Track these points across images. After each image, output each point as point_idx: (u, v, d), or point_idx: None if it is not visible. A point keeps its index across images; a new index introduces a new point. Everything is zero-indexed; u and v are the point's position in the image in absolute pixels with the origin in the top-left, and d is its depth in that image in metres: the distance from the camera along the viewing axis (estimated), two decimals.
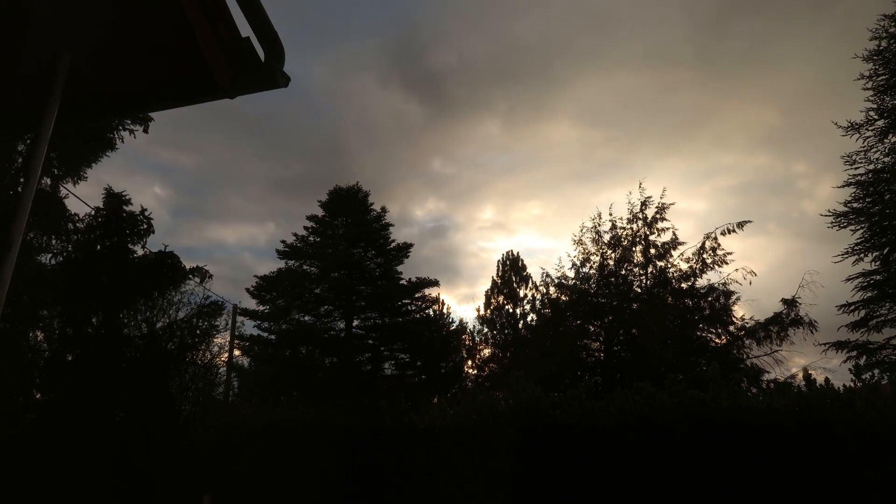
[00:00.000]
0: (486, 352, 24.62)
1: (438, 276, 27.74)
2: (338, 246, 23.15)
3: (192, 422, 11.57)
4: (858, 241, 16.80)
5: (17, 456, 8.31)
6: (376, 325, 22.66)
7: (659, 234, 16.23)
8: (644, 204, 16.43)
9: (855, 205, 16.85)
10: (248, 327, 22.85)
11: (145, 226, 11.34)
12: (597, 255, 16.85)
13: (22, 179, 8.54)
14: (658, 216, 16.27)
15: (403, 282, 23.38)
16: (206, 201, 46.58)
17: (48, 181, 10.09)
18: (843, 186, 17.15)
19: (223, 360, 16.57)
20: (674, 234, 16.03)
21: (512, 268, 26.81)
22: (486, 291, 26.79)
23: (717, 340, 15.05)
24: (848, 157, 17.12)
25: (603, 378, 14.68)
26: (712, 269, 15.33)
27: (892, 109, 16.52)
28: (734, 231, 15.26)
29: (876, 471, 5.16)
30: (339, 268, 22.64)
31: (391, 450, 7.98)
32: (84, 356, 10.27)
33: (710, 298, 15.07)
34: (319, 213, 24.11)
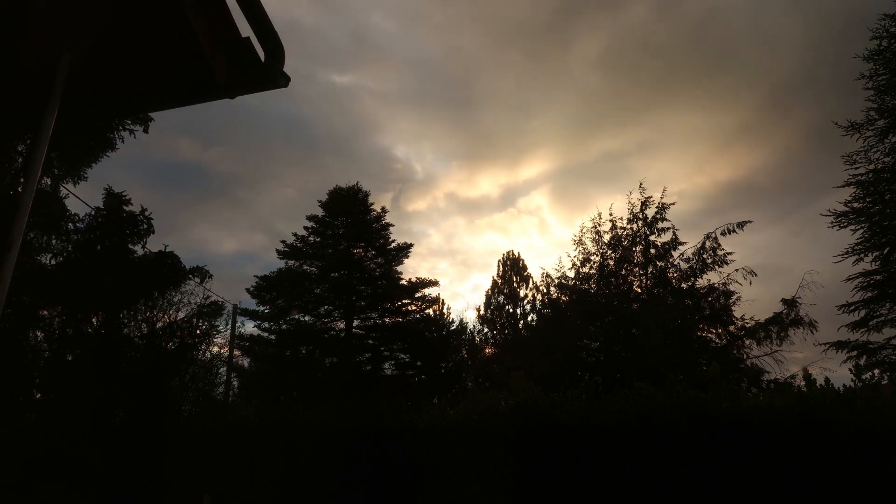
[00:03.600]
0: (487, 352, 24.66)
1: None
2: (338, 246, 23.15)
3: (193, 422, 11.57)
4: (858, 241, 16.80)
5: (17, 456, 8.31)
6: (376, 325, 22.65)
7: (659, 235, 16.26)
8: (644, 204, 16.46)
9: (855, 205, 16.85)
10: (248, 327, 22.87)
11: (145, 226, 11.34)
12: (597, 256, 16.87)
13: (22, 179, 8.54)
14: (658, 216, 16.29)
15: (403, 282, 23.39)
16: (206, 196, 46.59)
17: (48, 181, 10.08)
18: (843, 186, 17.17)
19: (223, 359, 16.58)
20: (674, 234, 16.06)
21: (512, 268, 26.84)
22: (487, 291, 26.86)
23: (717, 340, 15.05)
24: (848, 156, 17.14)
25: (603, 378, 14.68)
26: (712, 269, 15.36)
27: (892, 109, 16.52)
28: (734, 231, 15.29)
29: (876, 471, 5.16)
30: (339, 268, 22.63)
31: (392, 450, 7.98)
32: (84, 356, 10.27)
33: (710, 298, 15.07)
34: (319, 213, 24.13)
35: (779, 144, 38.15)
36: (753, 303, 17.64)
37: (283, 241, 23.55)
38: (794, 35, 32.58)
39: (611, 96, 40.81)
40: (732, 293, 14.95)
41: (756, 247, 32.02)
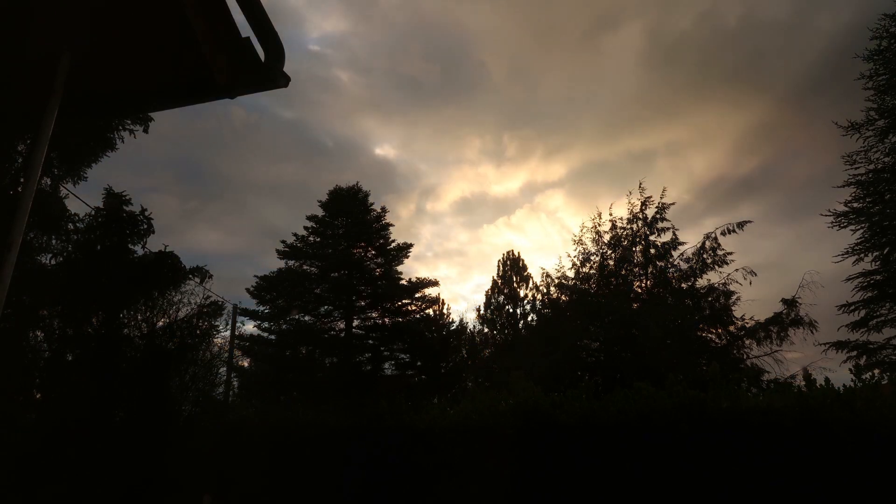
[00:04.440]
0: (487, 352, 24.66)
1: None
2: (338, 246, 23.16)
3: (193, 422, 11.56)
4: (858, 241, 16.80)
5: (17, 456, 8.31)
6: (376, 325, 22.65)
7: (659, 235, 16.26)
8: (644, 204, 16.46)
9: (855, 205, 16.85)
10: (249, 327, 22.87)
11: (145, 226, 11.33)
12: (597, 256, 16.87)
13: (22, 179, 8.54)
14: (658, 216, 16.29)
15: (403, 282, 23.39)
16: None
17: (48, 181, 10.08)
18: (844, 186, 17.16)
19: (223, 359, 16.58)
20: (674, 234, 16.07)
21: (512, 267, 26.83)
22: (487, 291, 26.85)
23: (717, 340, 15.04)
24: (848, 156, 17.13)
25: (603, 378, 14.68)
26: (712, 269, 15.35)
27: (892, 109, 16.51)
28: (734, 231, 15.28)
29: (876, 471, 5.16)
30: (339, 268, 22.64)
31: (391, 450, 7.98)
32: (84, 356, 10.26)
33: (710, 298, 15.07)
34: (319, 213, 24.13)
35: (797, 143, 38.60)
36: (753, 303, 17.66)
37: (283, 242, 23.59)
38: (825, 35, 32.86)
39: (643, 98, 41.38)
40: (732, 293, 14.96)
41: (769, 245, 32.44)
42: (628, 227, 16.58)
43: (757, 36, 38.17)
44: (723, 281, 15.10)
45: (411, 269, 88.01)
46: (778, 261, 31.99)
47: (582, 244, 17.19)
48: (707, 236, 15.58)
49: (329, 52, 45.72)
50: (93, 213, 10.98)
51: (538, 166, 45.66)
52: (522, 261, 26.95)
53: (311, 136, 47.19)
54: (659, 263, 16.05)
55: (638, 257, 16.35)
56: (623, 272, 16.40)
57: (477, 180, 45.91)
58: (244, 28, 2.53)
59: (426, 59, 45.06)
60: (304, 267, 23.27)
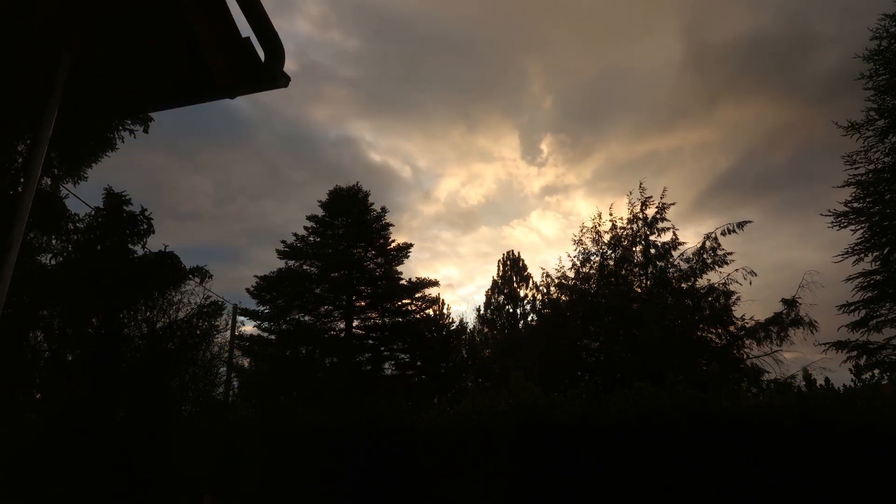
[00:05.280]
0: (487, 352, 24.66)
1: None
2: (338, 246, 23.14)
3: (193, 422, 11.56)
4: (858, 241, 16.80)
5: (17, 456, 8.30)
6: (376, 325, 22.64)
7: (659, 235, 16.25)
8: (644, 204, 16.45)
9: (855, 205, 16.85)
10: (249, 327, 22.88)
11: (145, 226, 11.34)
12: (597, 256, 16.87)
13: (22, 179, 8.53)
14: (658, 216, 16.28)
15: (403, 282, 23.38)
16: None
17: (48, 181, 10.08)
18: (843, 186, 17.16)
19: (223, 359, 16.58)
20: (674, 234, 16.06)
21: (512, 267, 26.85)
22: (487, 291, 26.88)
23: (717, 340, 15.03)
24: (848, 156, 17.13)
25: (603, 378, 14.67)
26: (712, 269, 15.34)
27: (892, 109, 16.51)
28: (734, 231, 15.28)
29: (876, 470, 5.16)
30: (339, 268, 22.63)
31: (391, 450, 7.98)
32: (84, 356, 10.27)
33: (710, 298, 15.06)
34: (319, 213, 24.12)
35: (812, 145, 38.83)
36: (753, 303, 17.64)
37: (283, 241, 23.57)
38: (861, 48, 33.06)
39: (672, 102, 41.56)
40: (732, 293, 14.95)
41: (774, 245, 32.57)
42: (628, 227, 16.57)
43: (793, 46, 38.25)
44: (723, 281, 15.11)
45: (412, 270, 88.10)
46: (784, 261, 32.09)
47: (582, 244, 17.20)
48: (707, 236, 15.58)
49: (344, 50, 45.67)
50: (93, 213, 11.00)
51: (562, 169, 45.83)
52: (522, 261, 27.02)
53: (316, 136, 47.19)
54: (659, 263, 16.05)
55: (638, 257, 16.35)
56: (623, 272, 16.39)
57: (503, 181, 46.07)
58: (244, 28, 2.53)
59: (454, 62, 45.14)
60: (304, 267, 23.26)
